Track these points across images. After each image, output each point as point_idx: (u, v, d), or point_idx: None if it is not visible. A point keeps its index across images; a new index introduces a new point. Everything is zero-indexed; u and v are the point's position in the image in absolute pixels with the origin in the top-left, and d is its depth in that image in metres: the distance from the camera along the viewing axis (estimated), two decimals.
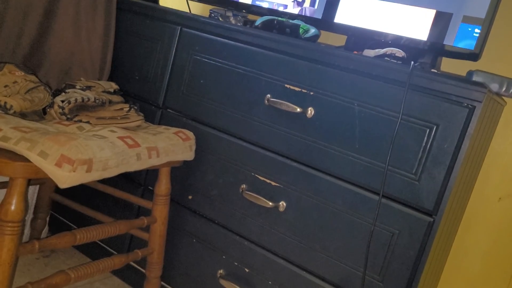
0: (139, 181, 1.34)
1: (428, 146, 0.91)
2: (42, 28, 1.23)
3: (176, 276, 1.27)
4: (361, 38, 1.25)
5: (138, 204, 1.20)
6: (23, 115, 1.02)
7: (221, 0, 1.48)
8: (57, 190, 1.41)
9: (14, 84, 1.04)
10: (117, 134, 0.98)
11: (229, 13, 1.37)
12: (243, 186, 1.14)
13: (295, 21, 1.19)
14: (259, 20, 1.23)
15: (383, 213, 0.96)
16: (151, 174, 1.31)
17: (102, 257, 1.05)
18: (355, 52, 1.19)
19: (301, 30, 1.17)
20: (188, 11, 1.47)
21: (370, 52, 1.15)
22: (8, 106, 0.98)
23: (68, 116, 1.05)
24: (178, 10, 1.27)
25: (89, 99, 1.09)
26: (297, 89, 1.07)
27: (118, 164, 0.92)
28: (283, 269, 1.09)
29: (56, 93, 1.10)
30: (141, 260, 1.32)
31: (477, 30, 1.08)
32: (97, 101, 1.11)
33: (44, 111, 1.07)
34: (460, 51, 1.11)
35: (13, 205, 0.83)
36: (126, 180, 1.35)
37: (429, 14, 1.15)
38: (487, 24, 1.07)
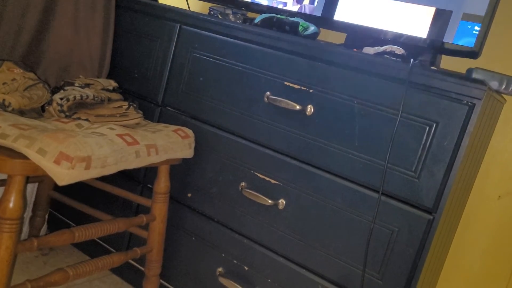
0: (138, 179, 1.33)
1: (428, 144, 0.91)
2: (41, 25, 1.23)
3: (175, 274, 1.27)
4: (360, 36, 1.25)
5: (137, 202, 1.20)
6: (21, 113, 1.02)
7: None
8: (56, 188, 1.41)
9: (12, 81, 1.04)
10: (116, 132, 0.98)
11: (229, 11, 1.37)
12: (243, 184, 1.14)
13: (295, 19, 1.18)
14: (258, 18, 1.22)
15: (383, 211, 0.96)
16: (150, 172, 1.31)
17: (101, 255, 1.05)
18: (355, 49, 1.18)
19: (300, 28, 1.16)
20: (188, 9, 1.47)
21: (369, 50, 1.15)
22: (6, 104, 0.97)
23: (67, 113, 1.05)
24: (177, 8, 1.27)
25: (88, 97, 1.09)
26: (296, 86, 1.06)
27: (116, 162, 0.92)
28: (283, 267, 1.09)
29: (54, 91, 1.10)
30: (140, 258, 1.32)
31: (476, 28, 1.08)
32: (96, 98, 1.10)
33: (42, 109, 1.07)
34: (459, 48, 1.11)
35: (12, 202, 0.82)
36: (125, 178, 1.35)
37: (429, 12, 1.15)
38: (487, 21, 1.07)
